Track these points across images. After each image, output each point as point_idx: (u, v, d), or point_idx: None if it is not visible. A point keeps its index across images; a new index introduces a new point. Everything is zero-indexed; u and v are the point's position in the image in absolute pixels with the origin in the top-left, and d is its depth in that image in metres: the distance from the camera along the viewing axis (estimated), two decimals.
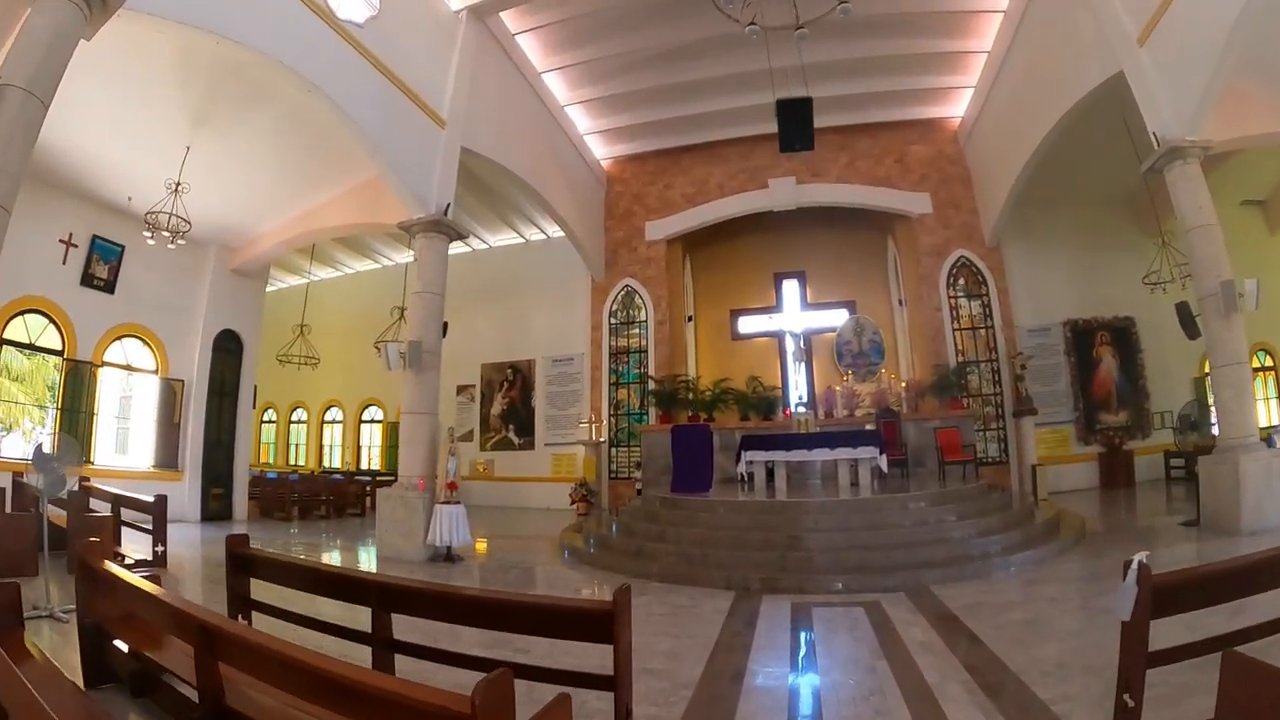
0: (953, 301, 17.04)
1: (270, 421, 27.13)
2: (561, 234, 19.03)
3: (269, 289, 25.52)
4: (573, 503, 17.42)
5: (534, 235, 21.47)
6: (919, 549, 8.57)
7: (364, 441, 24.67)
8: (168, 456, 15.73)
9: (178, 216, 12.71)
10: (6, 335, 13.20)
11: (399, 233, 21.46)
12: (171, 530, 12.25)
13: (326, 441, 25.72)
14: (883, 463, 11.87)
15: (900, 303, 18.49)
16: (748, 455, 12.22)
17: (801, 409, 15.17)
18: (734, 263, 20.04)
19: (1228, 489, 9.65)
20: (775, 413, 17.25)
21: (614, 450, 18.69)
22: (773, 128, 17.44)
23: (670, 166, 19.28)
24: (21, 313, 13.45)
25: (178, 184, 12.67)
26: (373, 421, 24.60)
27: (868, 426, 14.92)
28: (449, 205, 12.22)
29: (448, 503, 10.73)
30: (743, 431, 14.62)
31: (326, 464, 25.25)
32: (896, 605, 7.01)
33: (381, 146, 11.33)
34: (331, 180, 14.45)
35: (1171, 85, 10.38)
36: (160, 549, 9.57)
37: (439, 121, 12.43)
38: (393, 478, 21.15)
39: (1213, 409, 17.09)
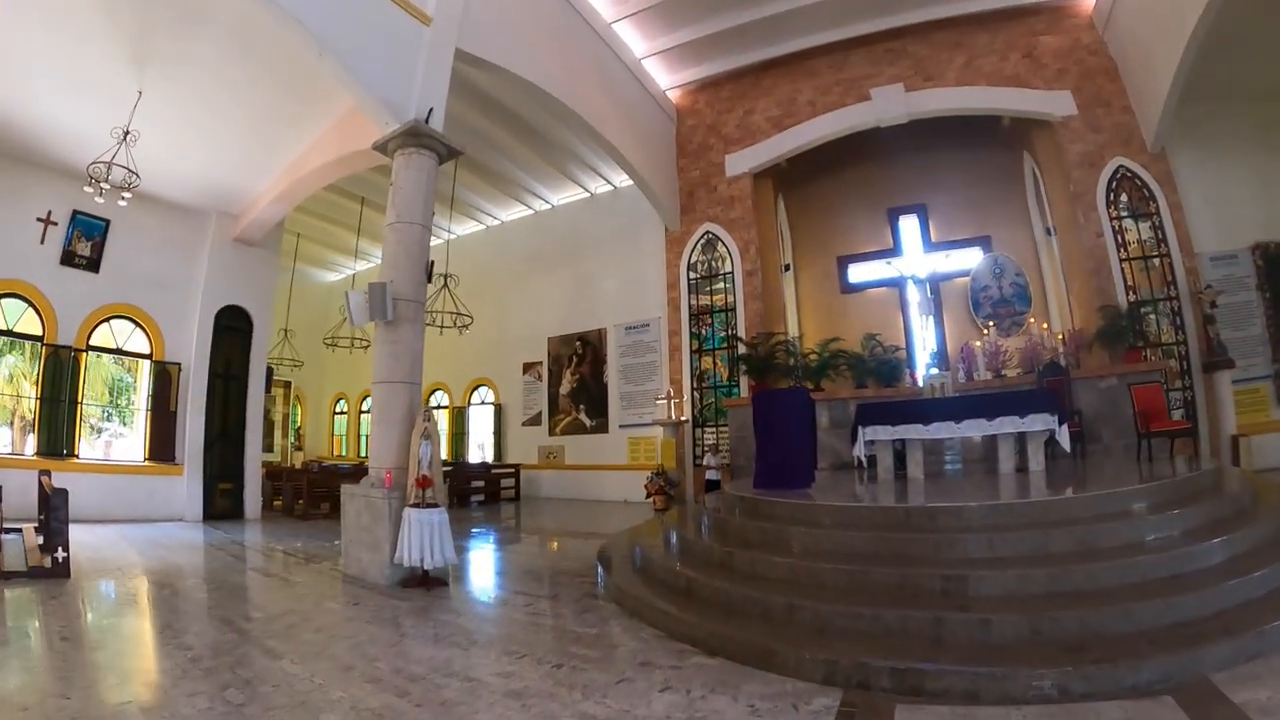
0: (1115, 224, 12.26)
1: (341, 413, 25.06)
2: (630, 182, 15.48)
3: (336, 278, 23.28)
4: (648, 495, 13.79)
5: (600, 187, 17.92)
6: (1174, 599, 4.21)
7: None
8: (163, 449, 12.90)
9: (124, 168, 10.21)
10: None
11: (457, 213, 18.84)
12: (159, 530, 11.14)
13: None
14: (1064, 437, 7.79)
15: (1049, 231, 13.73)
16: (868, 431, 8.22)
17: (935, 371, 11.12)
18: (838, 200, 15.61)
19: None
20: (900, 378, 12.99)
21: (699, 431, 14.70)
22: (872, 26, 13.53)
23: (750, 89, 15.12)
24: None
25: (126, 131, 10.27)
26: (439, 407, 21.39)
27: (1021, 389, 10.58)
28: (431, 110, 8.57)
29: (419, 505, 7.07)
30: (860, 401, 10.42)
31: None
32: None
33: (332, 42, 7.84)
34: (309, 116, 11.45)
35: None
36: (63, 555, 7.14)
37: (420, 17, 8.77)
38: (450, 466, 18.22)
39: None
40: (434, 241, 20.01)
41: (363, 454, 23.52)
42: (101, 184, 9.97)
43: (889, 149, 14.48)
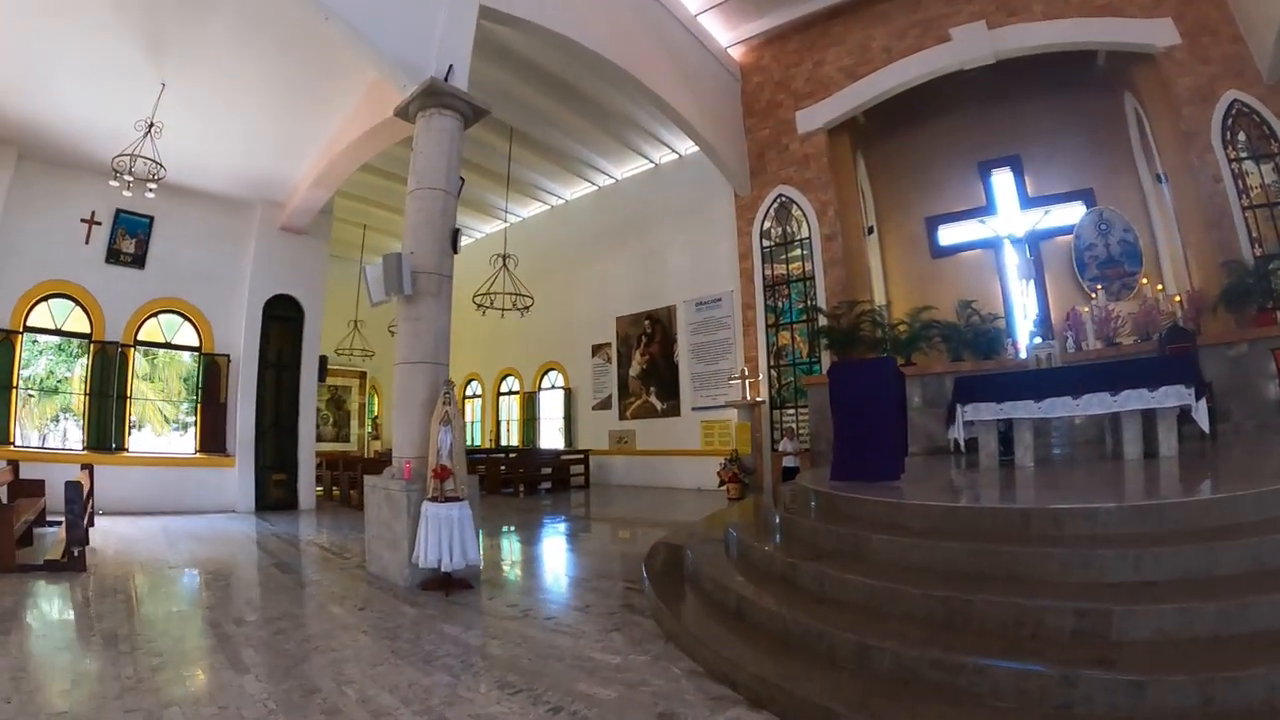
0: (1235, 167, 10.24)
1: None
2: (696, 149, 14.30)
3: None
4: (721, 483, 12.63)
5: (664, 157, 16.76)
6: None
7: (503, 415, 20.83)
8: (214, 440, 12.52)
9: (149, 159, 9.80)
10: (31, 323, 11.46)
11: (519, 194, 18.00)
12: (204, 522, 10.71)
13: (468, 417, 22.22)
14: (1202, 415, 6.30)
15: (1159, 179, 11.66)
16: (968, 410, 6.89)
17: (1039, 341, 9.65)
18: (922, 156, 13.87)
19: None
20: (999, 349, 11.48)
21: (776, 413, 13.38)
22: None
23: (818, 39, 13.50)
24: (45, 298, 11.59)
25: (150, 124, 9.84)
26: (510, 393, 20.67)
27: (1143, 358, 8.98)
28: (451, 68, 7.57)
29: (438, 499, 6.10)
30: (955, 375, 8.96)
31: (469, 441, 21.79)
32: None
33: (340, 6, 7.12)
34: (336, 94, 10.74)
35: None
36: (77, 549, 6.94)
37: None
38: (505, 453, 17.42)
39: None
40: (496, 226, 19.50)
41: None
42: (125, 176, 9.55)
43: (975, 96, 12.79)
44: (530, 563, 7.92)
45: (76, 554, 6.89)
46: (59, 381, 11.89)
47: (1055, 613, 3.25)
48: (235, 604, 5.93)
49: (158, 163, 9.80)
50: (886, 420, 6.39)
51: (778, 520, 5.81)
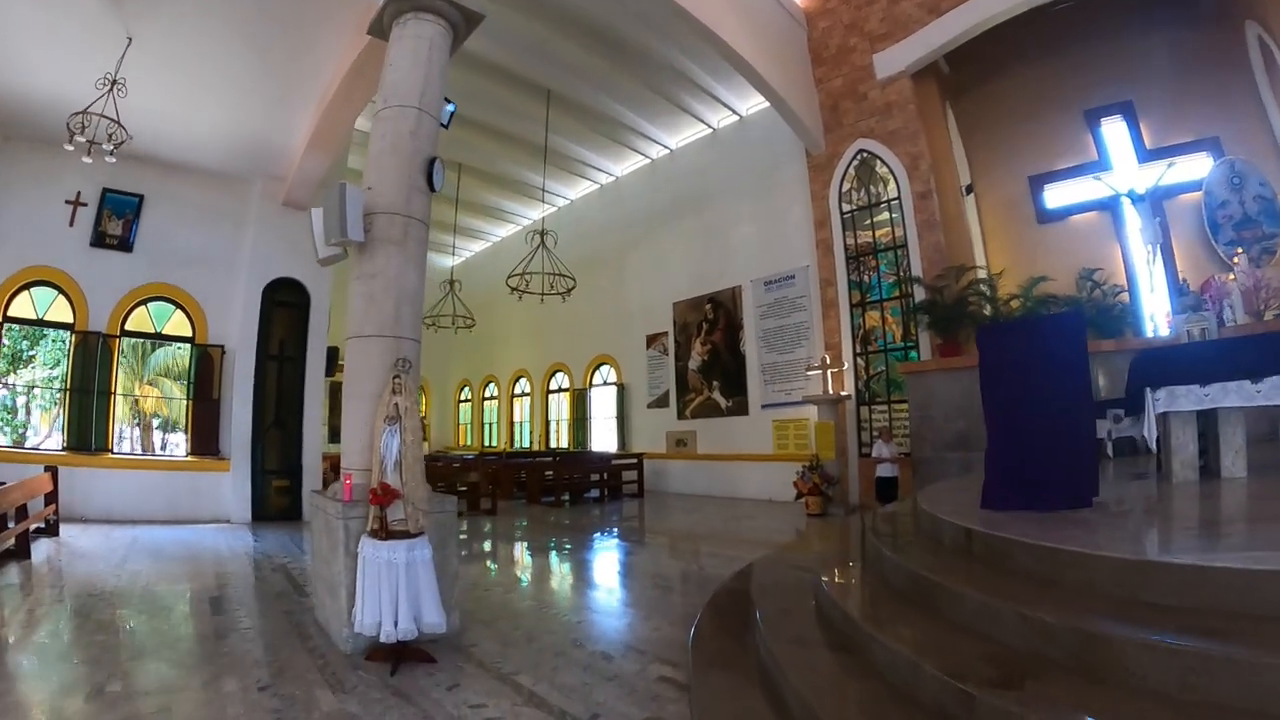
0: None
1: (466, 401, 23.43)
2: (759, 107, 12.53)
3: (448, 261, 19.95)
4: (799, 496, 10.54)
5: (723, 119, 14.50)
6: None
7: (551, 415, 18.97)
8: (206, 441, 10.79)
9: (109, 118, 8.29)
10: (11, 312, 10.26)
11: (565, 172, 16.17)
12: (185, 534, 9.05)
13: (517, 417, 20.65)
14: None
15: None
16: (1163, 398, 4.58)
17: (1190, 314, 7.81)
18: (1019, 105, 11.35)
19: None
20: (1124, 327, 9.34)
21: (865, 409, 11.20)
22: None
23: None
24: (26, 285, 10.37)
25: (113, 81, 8.29)
26: (560, 391, 18.79)
27: None
28: None
29: (379, 534, 4.07)
30: (1143, 350, 6.56)
31: (517, 442, 20.50)
32: None
33: None
34: (322, 42, 8.84)
35: None
36: None
37: None
38: (552, 456, 15.34)
39: None
40: (540, 210, 17.43)
41: (489, 443, 21.48)
42: (78, 138, 7.99)
43: (1076, 32, 10.46)
44: (535, 615, 5.48)
45: None
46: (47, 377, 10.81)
47: None
48: (117, 659, 4.12)
49: (117, 122, 8.24)
50: (1071, 413, 4.00)
51: (901, 571, 3.56)
